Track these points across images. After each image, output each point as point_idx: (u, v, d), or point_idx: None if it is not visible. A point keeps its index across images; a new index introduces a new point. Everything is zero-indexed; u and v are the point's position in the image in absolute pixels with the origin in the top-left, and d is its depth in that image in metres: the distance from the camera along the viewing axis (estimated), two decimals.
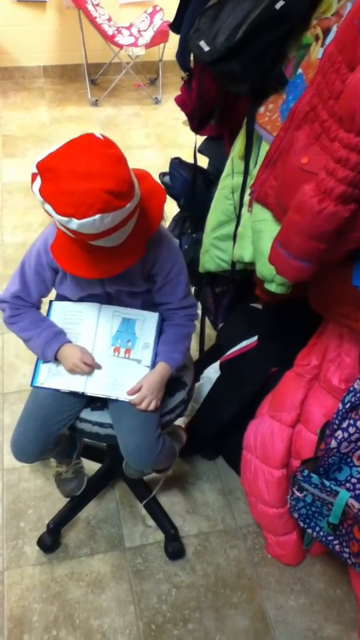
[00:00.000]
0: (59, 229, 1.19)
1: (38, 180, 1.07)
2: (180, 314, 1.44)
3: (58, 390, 1.40)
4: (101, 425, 1.42)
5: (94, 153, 1.05)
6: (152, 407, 1.36)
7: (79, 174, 1.02)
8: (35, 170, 1.07)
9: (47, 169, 1.05)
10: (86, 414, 1.43)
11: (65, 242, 1.19)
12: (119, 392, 1.38)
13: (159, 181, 1.43)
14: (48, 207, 1.06)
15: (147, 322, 1.40)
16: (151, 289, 1.41)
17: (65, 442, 1.61)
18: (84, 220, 1.03)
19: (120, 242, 1.16)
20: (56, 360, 1.39)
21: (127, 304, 1.42)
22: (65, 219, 1.05)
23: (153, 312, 1.42)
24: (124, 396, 1.37)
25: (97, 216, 1.03)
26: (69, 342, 1.40)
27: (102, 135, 1.09)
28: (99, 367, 1.39)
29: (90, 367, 1.37)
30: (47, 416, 1.38)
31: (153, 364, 1.40)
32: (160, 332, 1.42)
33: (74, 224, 1.05)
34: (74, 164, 1.04)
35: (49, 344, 1.37)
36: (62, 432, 1.43)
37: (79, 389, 1.38)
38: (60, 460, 1.65)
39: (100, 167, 1.03)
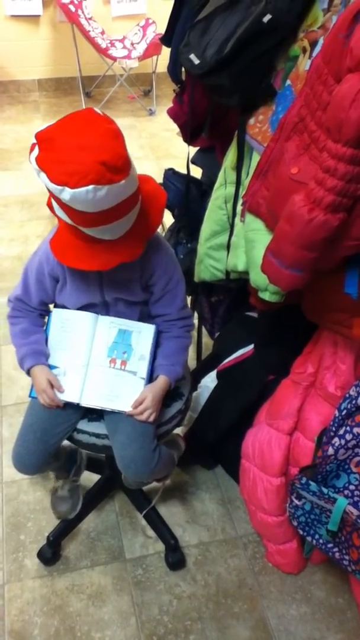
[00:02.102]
0: (59, 224, 1.21)
1: (36, 150, 1.09)
2: (178, 325, 1.44)
3: None
4: (98, 436, 1.42)
5: (93, 127, 1.07)
6: (151, 419, 1.36)
7: (76, 144, 1.04)
8: (34, 141, 1.09)
9: (45, 139, 1.07)
10: (83, 425, 1.43)
11: (64, 235, 1.21)
12: (114, 404, 1.38)
13: None
14: (43, 176, 1.07)
15: (143, 334, 1.40)
16: (148, 301, 1.42)
17: (64, 457, 1.61)
18: (77, 190, 1.04)
19: (119, 236, 1.18)
20: (29, 375, 1.40)
21: (125, 315, 1.42)
22: (58, 187, 1.05)
23: (150, 324, 1.42)
24: (119, 408, 1.37)
25: (90, 187, 1.04)
26: (44, 364, 1.40)
27: (102, 112, 1.11)
28: (60, 405, 1.37)
29: (52, 401, 1.36)
30: (46, 428, 1.39)
31: (149, 376, 1.40)
32: (156, 344, 1.41)
33: (67, 193, 1.05)
34: (71, 135, 1.06)
35: (25, 359, 1.39)
36: (60, 443, 1.43)
37: (74, 399, 1.38)
38: (59, 474, 1.65)
39: (97, 139, 1.05)
